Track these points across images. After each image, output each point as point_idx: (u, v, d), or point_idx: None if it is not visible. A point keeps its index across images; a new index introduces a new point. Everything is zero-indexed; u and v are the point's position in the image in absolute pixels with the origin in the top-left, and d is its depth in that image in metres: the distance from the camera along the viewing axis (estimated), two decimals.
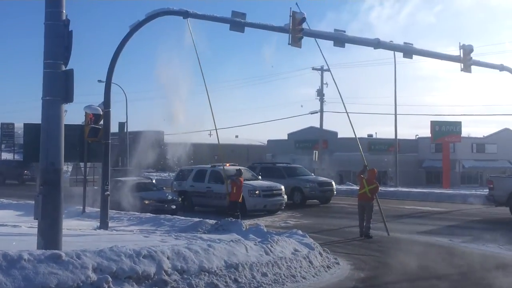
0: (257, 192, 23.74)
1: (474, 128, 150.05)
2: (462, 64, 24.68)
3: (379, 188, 18.46)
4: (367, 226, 17.44)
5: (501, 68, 27.75)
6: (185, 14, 18.79)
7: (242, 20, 19.74)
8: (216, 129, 20.64)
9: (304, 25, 20.03)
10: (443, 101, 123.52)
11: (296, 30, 19.84)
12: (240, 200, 21.57)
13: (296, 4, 20.00)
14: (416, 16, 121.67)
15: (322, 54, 21.99)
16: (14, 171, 48.71)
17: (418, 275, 11.72)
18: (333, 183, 30.70)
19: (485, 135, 57.00)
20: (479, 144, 53.69)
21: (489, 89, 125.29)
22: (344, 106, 21.27)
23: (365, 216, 17.50)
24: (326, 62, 23.68)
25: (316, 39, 21.18)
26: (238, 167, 24.04)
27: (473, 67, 25.19)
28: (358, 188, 18.59)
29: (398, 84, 37.47)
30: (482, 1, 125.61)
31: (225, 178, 21.75)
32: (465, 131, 52.81)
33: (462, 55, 24.53)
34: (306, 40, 20.08)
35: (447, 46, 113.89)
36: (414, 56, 24.15)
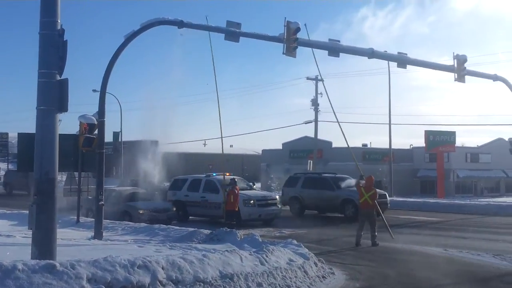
0: (252, 201, 23.72)
1: (468, 138, 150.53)
2: (456, 74, 24.77)
3: (377, 194, 18.64)
4: (372, 234, 17.58)
5: (495, 78, 27.88)
6: (180, 24, 18.81)
7: (237, 30, 19.79)
8: (222, 137, 20.95)
9: (303, 35, 20.18)
10: (437, 111, 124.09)
11: (291, 40, 19.89)
12: (236, 209, 21.60)
13: (305, 25, 20.24)
14: (409, 26, 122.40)
15: (316, 64, 22.05)
16: (22, 181, 47.66)
17: (413, 286, 11.70)
18: (387, 195, 29.50)
19: (479, 145, 57.18)
20: (473, 154, 53.83)
21: (482, 99, 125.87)
22: (335, 116, 21.53)
23: (369, 226, 17.65)
24: (319, 72, 23.78)
25: (312, 49, 21.26)
26: (232, 176, 24.03)
27: (466, 77, 25.30)
28: (359, 198, 18.72)
29: (392, 94, 37.80)
30: (474, 12, 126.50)
31: (222, 188, 21.76)
32: (459, 141, 52.97)
33: (456, 65, 24.62)
34: (300, 50, 20.14)
35: (440, 56, 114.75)
36: (408, 66, 24.24)
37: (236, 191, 21.54)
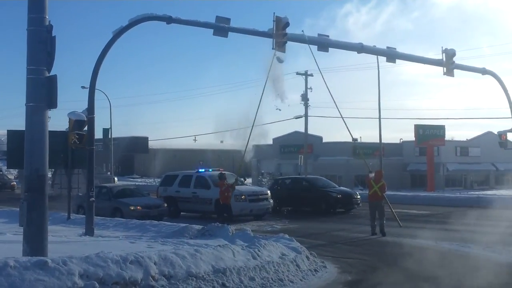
0: (243, 197, 23.72)
1: (457, 131, 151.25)
2: (444, 68, 24.83)
3: (386, 187, 19.76)
4: (381, 223, 18.60)
5: (484, 71, 27.96)
6: (169, 20, 18.74)
7: (225, 25, 19.74)
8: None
9: (293, 30, 20.29)
10: (425, 105, 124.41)
11: (280, 35, 19.86)
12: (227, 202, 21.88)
13: (303, 31, 20.42)
14: (393, 22, 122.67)
15: (315, 59, 22.07)
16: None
17: (405, 278, 11.74)
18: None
19: (468, 138, 57.39)
20: (463, 148, 54.00)
21: (470, 93, 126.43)
22: (338, 109, 22.00)
23: (378, 216, 18.78)
24: (318, 66, 23.70)
25: (307, 44, 21.28)
26: (221, 171, 24.03)
27: (455, 71, 25.38)
28: (368, 190, 20.18)
29: (381, 89, 37.74)
30: (457, 8, 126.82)
31: (226, 182, 22.03)
32: (449, 135, 53.21)
33: (444, 59, 24.68)
34: (288, 45, 20.17)
35: (425, 51, 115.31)
36: (396, 61, 24.28)
37: (225, 185, 21.82)
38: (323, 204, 27.13)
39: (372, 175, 19.82)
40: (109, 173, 47.34)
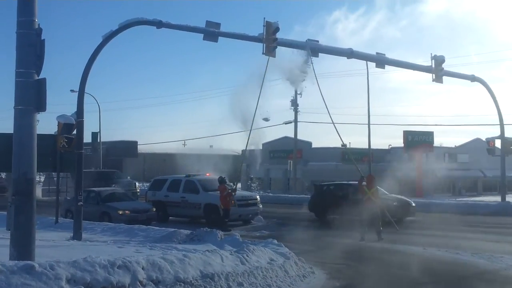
0: (232, 202, 23.67)
1: (446, 138, 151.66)
2: (434, 75, 25.02)
3: (379, 191, 19.92)
4: (378, 230, 18.64)
5: (473, 78, 28.18)
6: (159, 24, 18.79)
7: (215, 30, 19.78)
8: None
9: (288, 37, 20.47)
10: (414, 112, 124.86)
11: (270, 40, 19.94)
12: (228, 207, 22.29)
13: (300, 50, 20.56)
14: (381, 30, 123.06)
15: (312, 62, 22.05)
16: (101, 183, 42.80)
17: (393, 284, 11.78)
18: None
19: (456, 145, 57.60)
20: (451, 154, 54.14)
21: (458, 100, 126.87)
22: (330, 117, 22.21)
23: (373, 222, 18.67)
24: (314, 72, 23.70)
25: (298, 49, 21.39)
26: (221, 176, 24.09)
27: (444, 78, 25.55)
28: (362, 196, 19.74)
29: (370, 95, 37.84)
30: (445, 16, 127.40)
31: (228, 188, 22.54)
32: (437, 141, 53.26)
33: (433, 66, 24.87)
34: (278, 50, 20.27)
35: (413, 59, 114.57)
36: (385, 68, 24.41)
37: (227, 190, 22.26)
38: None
39: (364, 183, 19.72)
40: (129, 177, 46.34)
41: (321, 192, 28.57)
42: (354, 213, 23.07)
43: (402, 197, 27.31)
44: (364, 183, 19.75)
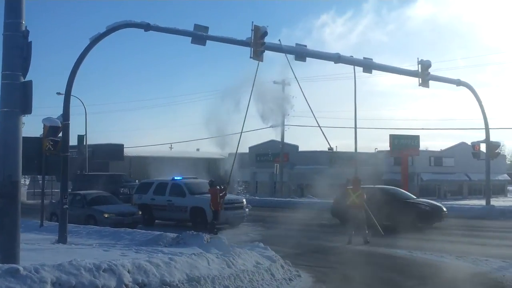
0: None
1: (431, 142, 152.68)
2: (420, 79, 25.17)
3: (364, 195, 19.54)
4: (364, 233, 18.52)
5: (458, 83, 28.39)
6: (147, 27, 18.76)
7: (204, 34, 19.79)
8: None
9: (275, 41, 20.53)
10: (400, 116, 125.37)
11: (258, 44, 19.98)
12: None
13: (279, 40, 20.69)
14: (368, 34, 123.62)
15: (291, 67, 22.21)
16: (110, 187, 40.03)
17: (378, 287, 11.82)
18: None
19: (442, 149, 57.91)
20: (437, 158, 54.44)
21: (444, 105, 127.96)
22: (316, 120, 22.42)
23: (359, 225, 18.61)
24: (295, 75, 23.86)
25: (284, 53, 21.46)
26: (211, 179, 24.51)
27: (430, 82, 25.72)
28: (346, 199, 19.66)
29: (356, 99, 37.99)
30: (432, 22, 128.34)
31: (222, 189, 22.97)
32: (423, 145, 53.57)
33: (420, 70, 25.03)
34: (265, 54, 20.33)
35: (400, 63, 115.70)
36: (372, 72, 24.53)
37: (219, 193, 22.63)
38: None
39: (349, 186, 19.72)
40: (137, 181, 45.60)
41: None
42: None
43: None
44: (349, 185, 19.73)
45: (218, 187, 23.08)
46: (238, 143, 23.27)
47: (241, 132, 22.32)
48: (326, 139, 22.60)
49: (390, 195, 25.21)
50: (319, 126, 23.32)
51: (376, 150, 59.32)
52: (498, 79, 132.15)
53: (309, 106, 22.56)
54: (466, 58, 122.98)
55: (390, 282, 12.20)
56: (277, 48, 21.38)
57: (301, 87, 22.86)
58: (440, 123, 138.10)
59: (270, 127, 50.07)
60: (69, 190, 21.90)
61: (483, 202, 33.21)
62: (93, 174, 39.62)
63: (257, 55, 20.24)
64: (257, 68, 20.59)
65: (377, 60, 24.53)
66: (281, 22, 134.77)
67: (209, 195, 23.75)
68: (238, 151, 24.01)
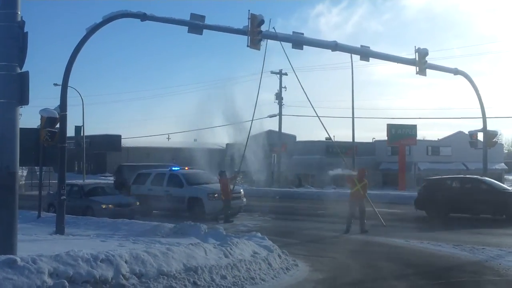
0: (216, 195, 23.68)
1: (428, 131, 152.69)
2: (417, 68, 25.13)
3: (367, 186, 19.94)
4: (362, 222, 18.86)
5: (456, 71, 28.36)
6: (143, 17, 18.69)
7: (200, 23, 19.73)
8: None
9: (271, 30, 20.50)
10: (397, 105, 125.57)
11: (255, 32, 19.93)
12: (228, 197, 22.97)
13: (274, 28, 20.75)
14: (364, 24, 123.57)
15: (286, 56, 22.27)
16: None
17: (376, 276, 11.87)
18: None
19: (439, 138, 58.05)
20: (434, 147, 54.58)
21: (441, 94, 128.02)
22: (314, 110, 22.58)
23: (359, 214, 19.01)
24: (291, 65, 23.95)
25: (279, 41, 21.45)
26: (221, 170, 24.98)
27: (427, 71, 25.69)
28: (350, 188, 19.94)
29: (354, 89, 38.02)
30: (427, 11, 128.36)
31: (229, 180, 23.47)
32: (420, 134, 53.72)
33: (417, 59, 24.99)
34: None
35: (396, 53, 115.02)
36: (369, 61, 24.48)
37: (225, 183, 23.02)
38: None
39: (354, 174, 20.07)
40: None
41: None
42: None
43: None
44: (354, 173, 20.15)
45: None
46: (249, 130, 24.47)
47: (252, 120, 23.70)
48: (325, 128, 22.78)
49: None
50: (317, 116, 23.38)
51: (374, 139, 59.41)
52: (494, 68, 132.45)
53: (306, 95, 22.67)
54: (462, 47, 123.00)
55: (386, 270, 12.25)
56: (274, 37, 21.33)
57: (298, 76, 22.92)
58: (437, 112, 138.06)
59: (268, 117, 50.26)
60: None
61: None
62: (137, 165, 36.86)
63: (254, 44, 20.20)
64: (265, 55, 20.99)
65: (373, 49, 24.48)
66: (276, 12, 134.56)
67: (208, 185, 23.98)
68: (237, 142, 24.57)
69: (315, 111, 22.79)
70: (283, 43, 21.65)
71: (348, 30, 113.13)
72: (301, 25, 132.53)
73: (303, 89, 22.71)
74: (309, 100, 22.70)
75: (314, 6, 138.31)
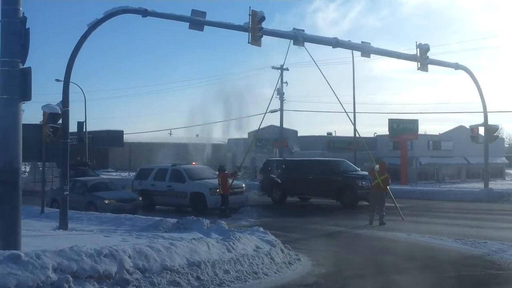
0: (218, 190, 23.73)
1: (429, 126, 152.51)
2: (419, 63, 25.15)
3: (389, 179, 20.38)
4: (381, 214, 19.12)
5: (456, 66, 28.38)
6: (144, 13, 18.72)
7: (201, 19, 19.75)
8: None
9: (269, 26, 20.54)
10: (398, 100, 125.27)
11: (256, 29, 19.95)
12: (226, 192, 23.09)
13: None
14: (361, 20, 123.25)
15: (308, 52, 22.46)
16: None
17: (378, 270, 11.90)
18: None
19: (440, 133, 57.93)
20: (435, 142, 54.45)
21: (442, 89, 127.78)
22: (341, 104, 23.04)
23: (378, 206, 19.39)
24: (312, 58, 24.03)
25: (282, 38, 21.52)
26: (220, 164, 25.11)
27: (428, 66, 25.70)
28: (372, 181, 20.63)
29: (355, 84, 38.02)
30: (425, 6, 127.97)
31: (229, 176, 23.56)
32: (421, 129, 53.51)
33: (419, 54, 25.00)
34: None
35: (395, 49, 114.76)
36: (369, 57, 24.51)
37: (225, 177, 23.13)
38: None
39: (377, 166, 20.35)
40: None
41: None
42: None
43: None
44: (377, 166, 20.33)
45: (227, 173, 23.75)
46: (260, 124, 25.08)
47: (265, 113, 24.62)
48: (351, 120, 23.14)
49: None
50: (345, 112, 23.92)
51: (376, 134, 59.36)
52: (494, 63, 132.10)
53: (332, 89, 23.16)
54: (461, 42, 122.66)
55: (389, 264, 12.27)
56: (275, 33, 21.35)
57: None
58: (438, 107, 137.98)
59: (270, 112, 50.19)
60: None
61: (481, 186, 33.30)
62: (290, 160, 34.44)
63: (255, 40, 20.22)
64: (288, 50, 21.18)
65: (374, 46, 24.50)
66: (274, 8, 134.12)
67: (210, 180, 24.04)
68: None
69: (342, 107, 23.60)
70: (285, 39, 21.74)
71: (345, 26, 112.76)
72: (299, 20, 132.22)
73: (328, 84, 23.09)
74: (334, 92, 23.49)
75: (312, 2, 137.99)
